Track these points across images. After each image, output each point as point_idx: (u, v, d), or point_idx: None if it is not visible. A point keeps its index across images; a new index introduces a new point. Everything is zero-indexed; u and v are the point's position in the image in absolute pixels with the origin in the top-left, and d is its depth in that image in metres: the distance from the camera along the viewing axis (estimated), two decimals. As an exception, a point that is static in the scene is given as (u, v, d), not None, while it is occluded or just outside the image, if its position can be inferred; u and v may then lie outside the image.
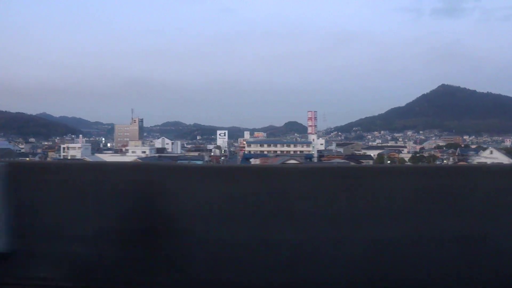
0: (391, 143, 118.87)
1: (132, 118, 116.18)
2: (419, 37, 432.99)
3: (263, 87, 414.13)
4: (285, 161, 40.51)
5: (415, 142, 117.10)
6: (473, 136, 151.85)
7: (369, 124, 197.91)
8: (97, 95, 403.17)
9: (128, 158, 49.40)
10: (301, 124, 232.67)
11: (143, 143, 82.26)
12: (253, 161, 44.44)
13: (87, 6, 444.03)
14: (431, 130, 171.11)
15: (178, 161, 33.07)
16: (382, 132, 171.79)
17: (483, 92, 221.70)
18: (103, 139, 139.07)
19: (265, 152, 61.68)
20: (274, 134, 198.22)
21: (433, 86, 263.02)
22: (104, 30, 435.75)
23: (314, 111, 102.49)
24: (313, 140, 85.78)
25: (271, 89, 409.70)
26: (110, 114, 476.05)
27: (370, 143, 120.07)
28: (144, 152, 63.77)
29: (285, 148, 72.02)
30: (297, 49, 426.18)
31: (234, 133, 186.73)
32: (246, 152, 63.04)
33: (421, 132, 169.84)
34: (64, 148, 70.30)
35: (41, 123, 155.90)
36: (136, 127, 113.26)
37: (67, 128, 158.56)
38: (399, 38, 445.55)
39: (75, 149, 64.28)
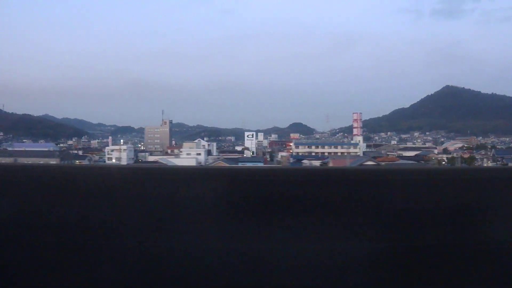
0: (409, 144, 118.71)
1: (162, 120, 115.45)
2: (419, 39, 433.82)
3: (266, 89, 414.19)
4: (363, 162, 39.95)
5: (435, 143, 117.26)
6: (480, 137, 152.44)
7: (374, 125, 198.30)
8: (98, 96, 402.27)
9: (188, 160, 48.53)
10: (306, 126, 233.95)
11: (197, 145, 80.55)
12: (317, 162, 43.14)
13: (89, 9, 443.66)
14: (437, 131, 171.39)
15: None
16: (388, 133, 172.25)
17: (487, 93, 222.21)
18: (121, 141, 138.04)
19: (313, 154, 61.61)
20: (279, 136, 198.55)
21: (437, 87, 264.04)
22: (105, 32, 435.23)
23: (360, 113, 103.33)
24: (359, 141, 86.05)
25: (274, 90, 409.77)
26: (112, 116, 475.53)
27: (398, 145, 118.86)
28: (199, 154, 62.73)
29: (333, 150, 71.85)
30: (298, 51, 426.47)
31: (236, 135, 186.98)
32: (294, 154, 62.39)
33: (427, 133, 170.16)
34: (108, 150, 68.85)
35: (48, 124, 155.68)
36: (166, 128, 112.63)
37: (75, 130, 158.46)
38: (400, 39, 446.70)
39: (120, 151, 63.40)
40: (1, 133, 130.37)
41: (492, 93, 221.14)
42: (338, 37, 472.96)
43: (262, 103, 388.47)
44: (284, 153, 67.27)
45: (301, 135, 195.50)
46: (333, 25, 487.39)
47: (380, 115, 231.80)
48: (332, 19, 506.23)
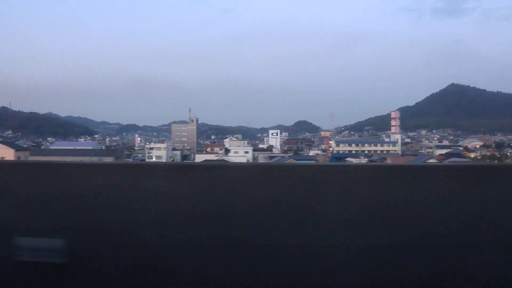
0: (424, 142, 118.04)
1: (190, 118, 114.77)
2: (421, 37, 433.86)
3: (269, 87, 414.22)
4: (426, 160, 39.59)
5: (453, 141, 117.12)
6: (488, 135, 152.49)
7: (380, 123, 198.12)
8: (100, 95, 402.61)
9: (240, 159, 47.60)
10: (311, 123, 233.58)
11: (247, 143, 78.91)
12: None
13: (90, 9, 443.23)
14: (444, 129, 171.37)
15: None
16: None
17: (493, 91, 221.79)
18: (138, 138, 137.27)
19: (353, 152, 61.66)
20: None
21: (442, 85, 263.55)
22: (106, 33, 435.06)
23: (397, 111, 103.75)
24: (397, 139, 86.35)
25: (277, 89, 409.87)
26: (114, 114, 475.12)
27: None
28: (247, 152, 62.43)
29: (373, 148, 71.99)
30: (300, 50, 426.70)
31: (243, 133, 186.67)
32: (334, 152, 62.30)
33: (434, 131, 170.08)
34: (148, 148, 68.76)
35: (57, 123, 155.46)
36: (194, 126, 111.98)
37: (83, 128, 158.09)
38: (401, 38, 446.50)
39: (160, 150, 62.71)
40: (10, 131, 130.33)
41: (498, 91, 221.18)
42: (340, 36, 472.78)
43: (264, 101, 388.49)
44: (316, 151, 66.67)
45: (307, 133, 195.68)
46: (334, 25, 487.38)
47: (385, 113, 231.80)
48: (334, 19, 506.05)
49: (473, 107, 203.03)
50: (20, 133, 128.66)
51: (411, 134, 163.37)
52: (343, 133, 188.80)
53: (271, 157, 54.55)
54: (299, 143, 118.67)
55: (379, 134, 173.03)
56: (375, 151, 67.00)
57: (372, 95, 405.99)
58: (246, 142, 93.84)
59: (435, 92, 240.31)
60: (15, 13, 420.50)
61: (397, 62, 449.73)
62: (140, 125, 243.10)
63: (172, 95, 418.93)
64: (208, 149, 68.38)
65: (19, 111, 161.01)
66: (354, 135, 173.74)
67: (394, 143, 78.78)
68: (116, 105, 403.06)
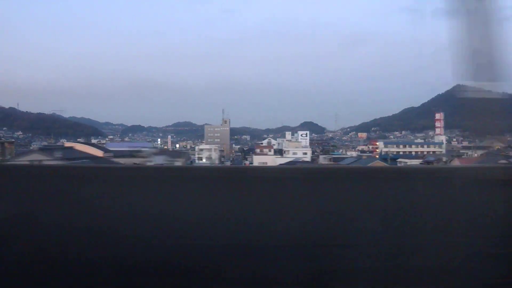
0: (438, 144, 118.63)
1: (223, 119, 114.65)
2: (422, 38, 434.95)
3: (272, 88, 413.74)
4: (497, 160, 39.18)
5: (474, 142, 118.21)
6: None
7: (386, 124, 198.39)
8: (101, 96, 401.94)
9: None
10: (317, 124, 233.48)
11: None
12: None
13: (89, 9, 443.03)
14: (452, 130, 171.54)
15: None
16: (403, 132, 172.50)
17: (498, 92, 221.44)
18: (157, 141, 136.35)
19: (401, 153, 61.76)
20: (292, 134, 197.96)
21: (447, 86, 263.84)
22: (107, 34, 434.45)
23: (442, 113, 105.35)
24: (443, 141, 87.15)
25: (280, 90, 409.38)
26: (116, 115, 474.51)
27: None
28: (305, 153, 61.81)
29: (419, 149, 72.26)
30: (303, 51, 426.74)
31: (250, 134, 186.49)
32: (383, 153, 61.94)
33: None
34: (198, 149, 68.77)
35: (67, 124, 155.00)
36: (227, 127, 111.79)
37: (93, 129, 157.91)
38: (402, 38, 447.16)
39: (210, 151, 62.19)
40: (20, 132, 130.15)
41: (503, 92, 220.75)
42: (342, 37, 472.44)
43: (267, 102, 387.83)
44: (352, 152, 65.54)
45: (313, 134, 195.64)
46: (336, 25, 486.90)
47: (390, 114, 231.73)
48: (335, 19, 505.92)
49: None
50: (30, 134, 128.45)
51: (418, 135, 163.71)
52: (350, 134, 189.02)
53: (335, 159, 52.74)
54: (323, 144, 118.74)
55: (386, 134, 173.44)
56: (421, 151, 67.28)
57: (376, 96, 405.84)
58: (300, 144, 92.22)
59: (440, 93, 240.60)
60: (15, 14, 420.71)
61: (400, 63, 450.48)
62: (145, 126, 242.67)
63: (174, 96, 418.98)
64: (258, 150, 68.10)
65: (26, 111, 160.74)
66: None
67: (440, 144, 79.88)
68: (117, 105, 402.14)
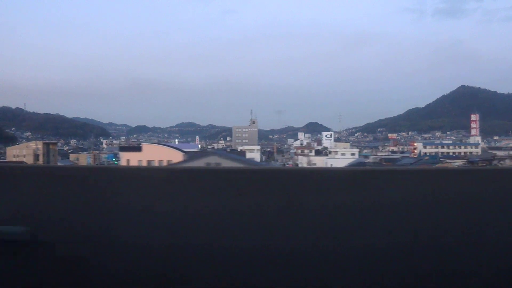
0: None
1: (251, 119, 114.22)
2: (423, 38, 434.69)
3: (275, 89, 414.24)
4: None
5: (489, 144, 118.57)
6: (503, 137, 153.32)
7: (392, 125, 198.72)
8: (106, 97, 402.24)
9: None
10: (321, 125, 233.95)
11: (352, 145, 77.72)
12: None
13: (91, 12, 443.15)
14: (458, 131, 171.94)
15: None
16: (410, 133, 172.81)
17: (504, 93, 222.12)
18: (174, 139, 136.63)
19: (439, 154, 61.97)
20: (297, 135, 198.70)
21: (452, 87, 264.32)
22: (109, 35, 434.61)
23: (477, 114, 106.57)
24: (479, 141, 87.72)
25: (283, 90, 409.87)
26: (118, 115, 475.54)
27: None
28: (353, 154, 60.88)
29: (457, 150, 72.72)
30: (304, 51, 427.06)
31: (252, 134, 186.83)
32: (422, 154, 61.97)
33: (448, 132, 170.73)
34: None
35: (76, 124, 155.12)
36: (255, 128, 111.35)
37: (102, 129, 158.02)
38: (403, 39, 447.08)
39: (253, 152, 61.58)
40: (29, 133, 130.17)
41: (508, 92, 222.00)
42: (344, 37, 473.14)
43: (270, 103, 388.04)
44: (381, 153, 64.70)
45: (319, 135, 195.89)
46: (338, 26, 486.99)
47: (395, 115, 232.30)
48: (337, 20, 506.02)
49: (485, 108, 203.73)
50: (39, 135, 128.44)
51: (425, 135, 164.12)
52: (356, 134, 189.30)
53: (388, 160, 51.83)
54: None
55: (393, 135, 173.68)
56: (458, 152, 67.64)
57: (379, 97, 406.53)
58: (348, 145, 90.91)
59: (445, 93, 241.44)
60: (21, 17, 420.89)
61: (402, 64, 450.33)
62: (150, 126, 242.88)
63: (176, 97, 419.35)
64: (299, 151, 67.68)
65: (33, 112, 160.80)
66: (368, 137, 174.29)
67: (477, 145, 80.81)
68: (120, 106, 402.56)
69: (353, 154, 60.01)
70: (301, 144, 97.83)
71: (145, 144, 54.35)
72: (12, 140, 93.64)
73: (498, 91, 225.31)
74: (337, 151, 62.43)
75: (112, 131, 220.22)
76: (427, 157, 50.05)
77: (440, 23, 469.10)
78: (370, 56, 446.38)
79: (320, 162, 50.08)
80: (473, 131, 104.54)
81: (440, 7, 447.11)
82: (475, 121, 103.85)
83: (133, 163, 39.04)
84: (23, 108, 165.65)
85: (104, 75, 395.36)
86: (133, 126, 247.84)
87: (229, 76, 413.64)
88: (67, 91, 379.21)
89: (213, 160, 28.83)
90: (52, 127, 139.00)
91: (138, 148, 46.88)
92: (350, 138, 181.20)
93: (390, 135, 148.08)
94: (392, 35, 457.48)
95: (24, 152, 49.05)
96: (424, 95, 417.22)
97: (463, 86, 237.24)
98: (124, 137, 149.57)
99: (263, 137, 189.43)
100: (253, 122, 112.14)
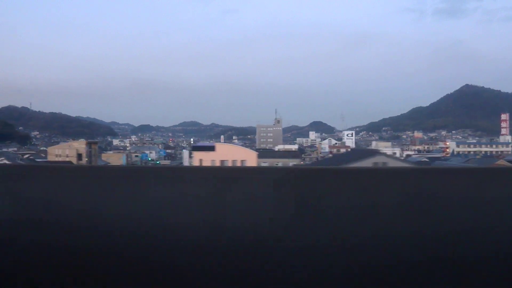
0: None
1: (275, 119, 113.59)
2: (423, 38, 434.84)
3: (277, 88, 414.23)
4: None
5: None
6: (510, 136, 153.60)
7: (396, 124, 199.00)
8: (108, 96, 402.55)
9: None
10: (326, 124, 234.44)
11: (393, 144, 76.88)
12: None
13: (94, 13, 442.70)
14: (464, 130, 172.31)
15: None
16: (415, 132, 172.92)
17: (507, 92, 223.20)
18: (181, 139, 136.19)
19: (471, 153, 62.23)
20: (302, 134, 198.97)
21: (455, 86, 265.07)
22: (109, 36, 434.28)
23: (507, 113, 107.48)
24: (509, 140, 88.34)
25: (284, 90, 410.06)
26: (124, 114, 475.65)
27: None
28: (394, 153, 60.46)
29: (488, 149, 73.17)
30: (305, 52, 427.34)
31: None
32: (455, 153, 62.20)
33: (453, 132, 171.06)
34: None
35: (82, 123, 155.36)
36: (280, 127, 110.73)
37: (108, 128, 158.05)
38: (404, 39, 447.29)
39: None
40: (37, 132, 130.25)
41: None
42: (344, 37, 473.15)
43: (273, 102, 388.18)
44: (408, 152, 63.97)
45: (323, 134, 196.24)
46: (337, 26, 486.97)
47: (398, 114, 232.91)
48: (338, 20, 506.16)
49: (489, 108, 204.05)
50: (47, 134, 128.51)
51: (431, 134, 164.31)
52: (361, 133, 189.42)
53: (431, 159, 51.50)
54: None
55: (399, 134, 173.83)
56: (490, 151, 68.07)
57: (381, 96, 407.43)
58: (391, 143, 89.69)
59: (449, 93, 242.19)
60: (26, 19, 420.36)
61: (403, 64, 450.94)
62: (153, 125, 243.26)
63: (176, 96, 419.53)
64: (335, 150, 67.21)
65: (39, 111, 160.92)
66: (374, 136, 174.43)
67: (508, 144, 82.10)
68: (121, 105, 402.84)
69: (394, 153, 59.96)
70: (335, 144, 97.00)
71: (218, 143, 53.67)
72: (25, 139, 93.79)
73: (502, 90, 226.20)
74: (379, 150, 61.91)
75: (116, 130, 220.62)
76: (478, 156, 50.31)
77: (440, 23, 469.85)
78: (370, 56, 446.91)
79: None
80: (503, 131, 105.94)
81: (440, 7, 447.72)
82: (505, 120, 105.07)
83: (206, 162, 38.69)
84: (28, 107, 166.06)
85: (106, 75, 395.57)
86: (135, 125, 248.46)
87: (230, 76, 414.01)
88: (69, 90, 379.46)
89: (379, 160, 28.84)
90: (59, 126, 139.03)
91: (211, 148, 46.31)
92: (356, 137, 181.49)
93: (416, 134, 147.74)
94: (392, 35, 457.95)
95: (67, 152, 48.99)
96: (426, 95, 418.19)
97: (467, 85, 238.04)
98: (134, 136, 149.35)
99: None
100: (278, 121, 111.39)
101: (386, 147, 66.17)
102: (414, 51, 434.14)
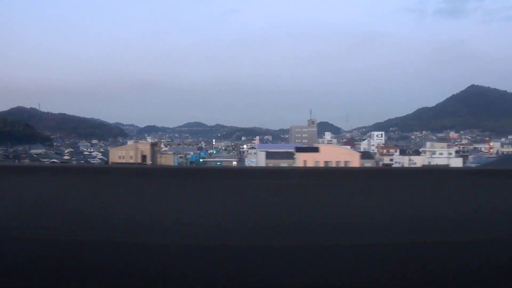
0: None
1: (310, 119, 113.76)
2: (423, 38, 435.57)
3: (280, 89, 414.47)
4: None
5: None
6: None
7: (402, 125, 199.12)
8: (111, 97, 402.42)
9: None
10: (332, 124, 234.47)
11: (449, 145, 76.78)
12: None
13: (97, 14, 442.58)
14: (471, 130, 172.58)
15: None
16: (423, 132, 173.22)
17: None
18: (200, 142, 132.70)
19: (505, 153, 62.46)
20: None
21: (461, 86, 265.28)
22: (114, 36, 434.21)
23: None
24: None
25: (287, 90, 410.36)
26: (128, 115, 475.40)
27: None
28: (450, 154, 60.40)
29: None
30: (307, 52, 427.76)
31: (272, 134, 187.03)
32: (500, 153, 62.12)
33: (461, 132, 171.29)
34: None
35: (93, 124, 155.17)
36: (314, 128, 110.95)
37: (119, 130, 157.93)
38: (405, 39, 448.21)
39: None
40: (48, 132, 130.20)
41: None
42: (345, 38, 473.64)
43: (275, 103, 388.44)
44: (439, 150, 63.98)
45: (331, 134, 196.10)
46: (339, 26, 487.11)
47: (404, 114, 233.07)
48: (341, 20, 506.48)
49: (496, 108, 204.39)
50: (59, 135, 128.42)
51: (439, 134, 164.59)
52: (368, 134, 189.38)
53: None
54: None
55: (407, 135, 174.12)
56: None
57: (385, 97, 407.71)
58: (445, 144, 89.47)
59: (455, 93, 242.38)
60: (30, 21, 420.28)
61: (404, 64, 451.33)
62: (159, 126, 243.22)
63: (180, 97, 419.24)
64: (384, 151, 67.05)
65: (48, 112, 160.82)
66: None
67: None
68: (124, 106, 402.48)
69: (450, 154, 60.09)
70: (384, 144, 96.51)
71: (322, 145, 53.49)
72: (47, 140, 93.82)
73: (508, 91, 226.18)
74: (435, 151, 61.79)
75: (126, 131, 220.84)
76: None
77: (441, 23, 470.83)
78: (372, 56, 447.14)
79: (420, 162, 49.93)
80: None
81: (441, 7, 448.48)
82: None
83: (310, 163, 38.79)
84: (37, 108, 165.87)
85: (109, 76, 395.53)
86: (140, 126, 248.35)
87: (233, 76, 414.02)
88: (72, 91, 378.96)
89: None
90: (69, 127, 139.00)
91: (315, 149, 46.52)
92: (364, 137, 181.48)
93: (451, 135, 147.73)
94: (393, 35, 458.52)
95: (131, 153, 48.84)
96: (430, 95, 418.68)
97: (472, 85, 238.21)
98: (149, 136, 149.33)
99: (276, 136, 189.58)
100: (313, 122, 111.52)
101: (442, 148, 65.29)
102: (415, 51, 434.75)
